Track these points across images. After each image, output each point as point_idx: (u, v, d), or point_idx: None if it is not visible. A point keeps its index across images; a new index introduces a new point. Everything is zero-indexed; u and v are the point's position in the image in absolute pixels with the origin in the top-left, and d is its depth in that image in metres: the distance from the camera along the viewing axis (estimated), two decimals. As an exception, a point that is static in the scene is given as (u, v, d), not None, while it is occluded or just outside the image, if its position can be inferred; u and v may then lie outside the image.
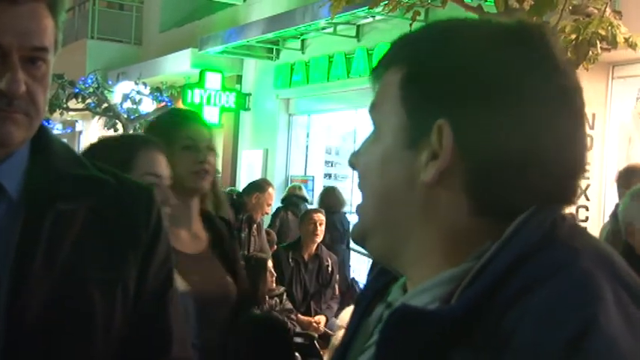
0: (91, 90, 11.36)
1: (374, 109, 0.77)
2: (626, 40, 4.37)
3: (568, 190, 0.72)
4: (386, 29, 7.91)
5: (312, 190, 9.44)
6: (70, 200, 1.00)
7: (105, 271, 1.00)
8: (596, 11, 4.43)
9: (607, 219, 4.19)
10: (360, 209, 0.78)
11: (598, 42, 4.25)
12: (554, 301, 0.62)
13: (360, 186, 0.78)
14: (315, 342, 4.98)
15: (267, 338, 2.07)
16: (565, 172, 0.71)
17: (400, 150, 0.73)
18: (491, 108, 0.69)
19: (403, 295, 0.75)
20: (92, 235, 1.00)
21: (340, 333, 5.25)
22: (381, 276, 0.81)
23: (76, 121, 16.60)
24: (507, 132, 0.68)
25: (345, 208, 6.89)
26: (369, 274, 0.87)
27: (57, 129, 16.81)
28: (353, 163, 0.79)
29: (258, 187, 5.53)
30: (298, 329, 5.06)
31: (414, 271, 0.74)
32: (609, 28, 4.24)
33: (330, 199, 6.73)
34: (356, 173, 0.79)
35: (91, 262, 1.00)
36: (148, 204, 1.07)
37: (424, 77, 0.72)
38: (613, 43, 4.29)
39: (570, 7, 4.41)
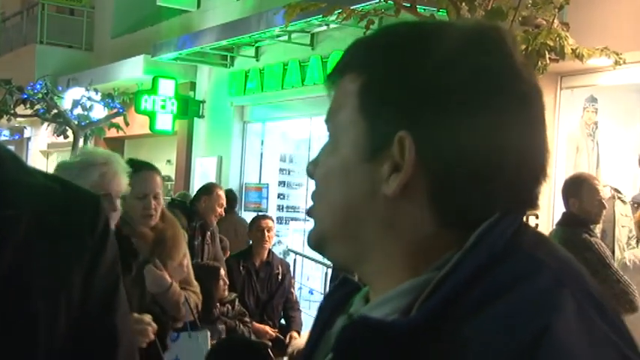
0: (39, 96, 11.12)
1: (330, 118, 0.75)
2: (574, 51, 4.48)
3: (532, 196, 0.71)
4: (340, 37, 7.96)
5: (267, 197, 9.41)
6: (13, 206, 0.97)
7: (49, 279, 0.98)
8: (544, 23, 4.54)
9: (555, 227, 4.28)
10: (316, 215, 0.76)
11: (547, 52, 4.35)
12: (512, 311, 0.62)
13: (316, 196, 0.76)
14: (269, 350, 4.95)
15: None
16: (528, 178, 0.70)
17: (360, 162, 0.70)
18: (453, 117, 0.67)
19: (364, 306, 0.74)
20: (36, 242, 0.98)
21: (296, 341, 5.24)
22: (343, 286, 0.79)
23: (25, 127, 16.22)
24: (469, 141, 0.67)
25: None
26: (330, 283, 0.85)
27: (4, 135, 16.38)
28: (311, 173, 0.77)
29: (205, 190, 5.49)
30: (253, 337, 5.03)
31: (377, 281, 0.72)
32: (557, 39, 4.35)
33: None
34: (311, 181, 0.78)
35: (34, 269, 0.97)
36: (94, 211, 1.05)
37: (384, 86, 0.70)
38: (561, 54, 4.40)
39: (520, 19, 4.51)
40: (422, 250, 0.69)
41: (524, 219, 0.71)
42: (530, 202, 0.71)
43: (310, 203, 0.77)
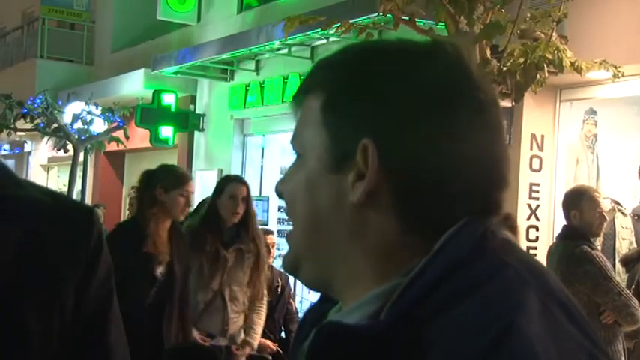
0: (40, 110, 11.15)
1: (296, 137, 0.77)
2: (572, 64, 4.49)
3: (494, 203, 0.72)
4: (340, 51, 7.98)
5: (267, 210, 9.41)
6: (4, 220, 0.97)
7: (41, 293, 0.97)
8: (543, 36, 4.55)
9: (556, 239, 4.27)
10: (290, 238, 0.77)
11: (545, 66, 4.36)
12: (476, 310, 0.63)
13: (288, 214, 0.77)
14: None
15: None
16: (488, 184, 0.71)
17: (326, 173, 0.72)
18: (413, 125, 0.69)
19: (336, 313, 0.75)
20: (28, 256, 0.97)
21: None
22: (326, 302, 0.80)
23: (25, 141, 16.24)
24: (429, 148, 0.69)
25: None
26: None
27: (4, 150, 16.41)
28: (279, 191, 0.78)
29: (201, 206, 5.48)
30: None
31: (347, 295, 0.73)
32: (556, 52, 4.36)
33: None
34: None
35: (26, 283, 0.97)
36: (87, 224, 1.04)
37: (344, 100, 0.72)
38: (559, 67, 4.41)
39: (518, 32, 4.52)
40: (389, 257, 0.70)
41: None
42: (493, 209, 0.72)
43: None
